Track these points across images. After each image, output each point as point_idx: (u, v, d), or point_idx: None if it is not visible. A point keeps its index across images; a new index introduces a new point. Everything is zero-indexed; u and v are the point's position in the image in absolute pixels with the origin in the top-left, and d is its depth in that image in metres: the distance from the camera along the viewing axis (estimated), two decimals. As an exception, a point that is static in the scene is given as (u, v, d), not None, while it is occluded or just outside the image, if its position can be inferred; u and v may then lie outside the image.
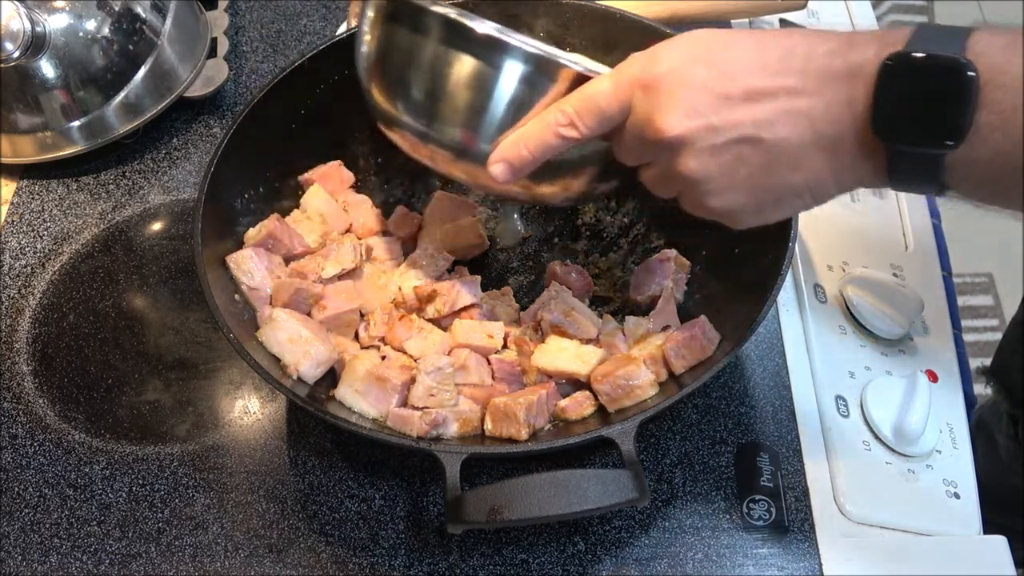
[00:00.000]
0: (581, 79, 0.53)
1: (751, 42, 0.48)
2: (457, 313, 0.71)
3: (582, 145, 0.55)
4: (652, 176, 0.54)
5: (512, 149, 0.55)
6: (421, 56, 0.58)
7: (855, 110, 0.45)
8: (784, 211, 0.51)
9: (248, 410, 0.72)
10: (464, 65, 0.56)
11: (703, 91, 0.47)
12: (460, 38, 0.56)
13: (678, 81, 0.48)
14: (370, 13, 0.62)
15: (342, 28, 0.99)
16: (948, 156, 0.44)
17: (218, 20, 0.96)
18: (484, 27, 0.55)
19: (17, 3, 0.79)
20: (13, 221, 0.85)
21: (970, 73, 0.42)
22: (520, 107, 0.56)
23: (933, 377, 0.72)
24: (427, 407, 0.64)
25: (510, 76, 0.55)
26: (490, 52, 0.55)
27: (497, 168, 0.55)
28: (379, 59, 0.62)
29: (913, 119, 0.44)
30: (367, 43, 0.62)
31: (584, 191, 0.62)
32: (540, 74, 0.55)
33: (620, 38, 0.78)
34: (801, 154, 0.47)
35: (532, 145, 0.54)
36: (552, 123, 0.53)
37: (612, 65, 0.53)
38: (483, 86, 0.56)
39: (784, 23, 0.97)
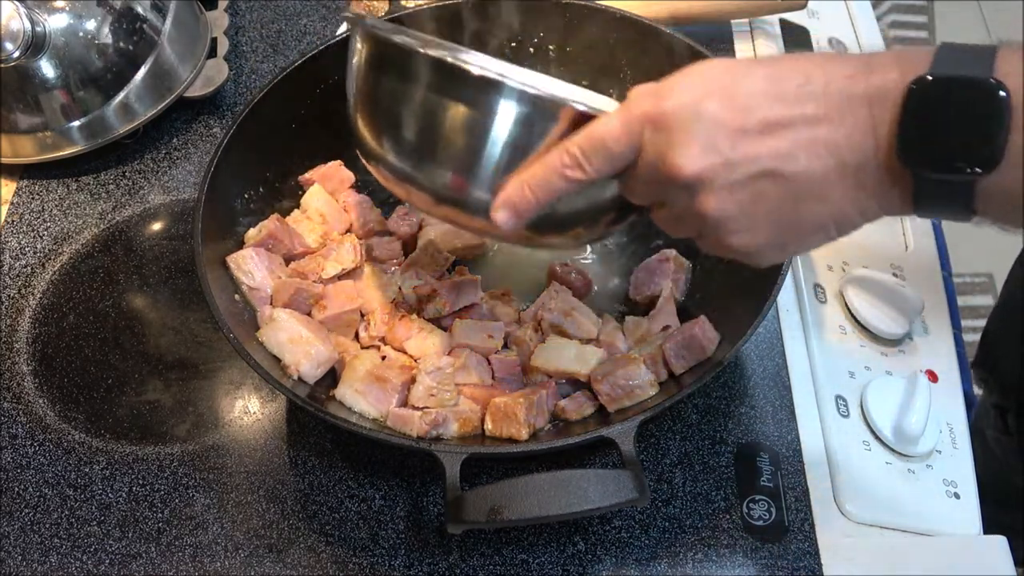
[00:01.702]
0: (585, 117, 0.50)
1: (764, 71, 0.46)
2: (457, 313, 0.71)
3: (592, 191, 0.52)
4: (666, 216, 0.51)
5: (516, 193, 0.51)
6: (411, 99, 0.55)
7: (879, 136, 0.43)
8: (807, 246, 0.49)
9: (248, 410, 0.72)
10: (457, 108, 0.52)
11: (718, 126, 0.45)
12: (452, 80, 0.52)
13: (691, 116, 0.45)
14: (354, 58, 0.58)
15: (342, 28, 0.99)
16: (979, 182, 0.42)
17: (218, 20, 0.96)
18: (476, 63, 0.51)
19: (17, 3, 0.79)
20: (13, 221, 0.85)
21: (1001, 94, 0.40)
22: (519, 150, 0.52)
23: (933, 377, 0.72)
24: (427, 407, 0.64)
25: (506, 118, 0.51)
26: (485, 93, 0.51)
27: (501, 215, 0.52)
28: (366, 99, 0.58)
29: (941, 145, 0.42)
30: (354, 83, 0.59)
31: (595, 237, 0.58)
32: (540, 115, 0.51)
33: (621, 38, 0.78)
34: (824, 185, 0.45)
35: (537, 189, 0.51)
36: (557, 165, 0.49)
37: (617, 77, 0.50)
38: (478, 130, 0.52)
39: (784, 23, 0.97)
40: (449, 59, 0.52)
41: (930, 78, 0.41)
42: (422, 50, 0.53)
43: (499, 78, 0.51)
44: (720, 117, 0.45)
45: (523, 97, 0.51)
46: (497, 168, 0.53)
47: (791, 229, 0.47)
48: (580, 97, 0.51)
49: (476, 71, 0.51)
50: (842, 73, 0.44)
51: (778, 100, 0.44)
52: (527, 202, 0.51)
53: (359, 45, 0.58)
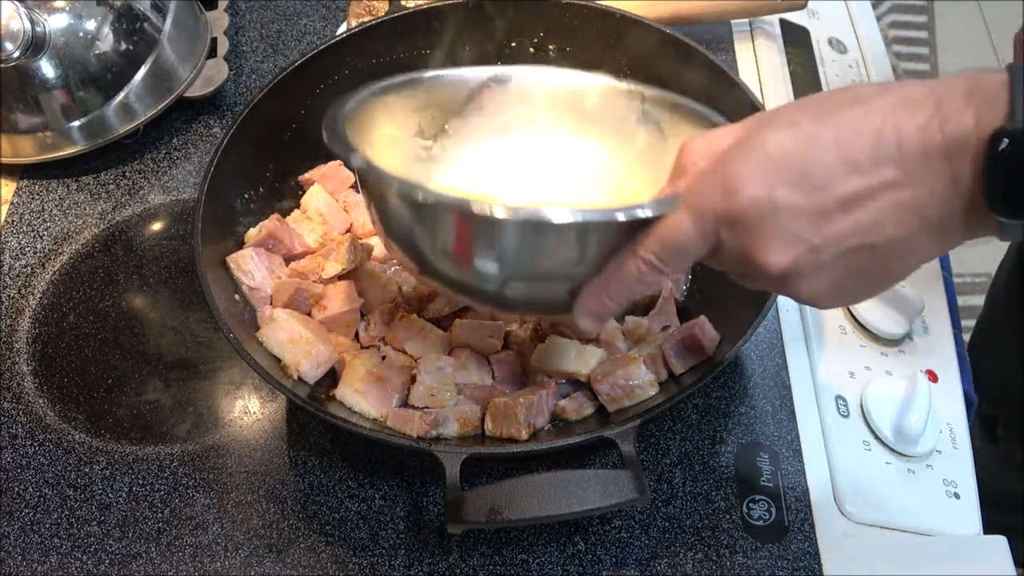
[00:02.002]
0: (643, 221, 0.48)
1: (831, 136, 0.43)
2: (457, 313, 0.71)
3: None
4: (750, 284, 0.51)
5: (596, 304, 0.52)
6: (435, 239, 0.53)
7: (961, 190, 0.41)
8: (890, 287, 0.50)
9: (248, 410, 0.72)
10: (493, 244, 0.50)
11: (797, 214, 0.43)
12: (483, 223, 0.49)
13: (768, 210, 0.44)
14: (370, 200, 0.56)
15: (342, 28, 0.99)
16: None
17: (218, 20, 0.96)
18: (503, 191, 0.48)
19: (17, 3, 0.79)
20: (13, 221, 0.85)
21: None
22: (561, 271, 0.51)
23: (933, 377, 0.72)
24: (427, 407, 0.64)
25: (548, 247, 0.50)
26: (535, 231, 0.49)
27: (585, 323, 0.53)
28: (386, 224, 0.56)
29: None
30: (372, 214, 0.57)
31: None
32: (592, 237, 0.50)
33: (622, 39, 0.78)
34: (912, 243, 0.44)
35: (616, 296, 0.51)
36: (635, 273, 0.49)
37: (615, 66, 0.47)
38: (515, 258, 0.51)
39: (784, 23, 0.97)
40: (483, 209, 0.47)
41: (1013, 128, 0.39)
42: (446, 202, 0.49)
43: (546, 218, 0.47)
44: (797, 204, 0.43)
45: (570, 228, 0.49)
46: (541, 278, 0.52)
47: (879, 284, 0.48)
48: (626, 189, 0.49)
49: (502, 214, 0.47)
50: (914, 124, 0.42)
51: (853, 170, 0.43)
52: (608, 309, 0.52)
53: (371, 190, 0.56)
